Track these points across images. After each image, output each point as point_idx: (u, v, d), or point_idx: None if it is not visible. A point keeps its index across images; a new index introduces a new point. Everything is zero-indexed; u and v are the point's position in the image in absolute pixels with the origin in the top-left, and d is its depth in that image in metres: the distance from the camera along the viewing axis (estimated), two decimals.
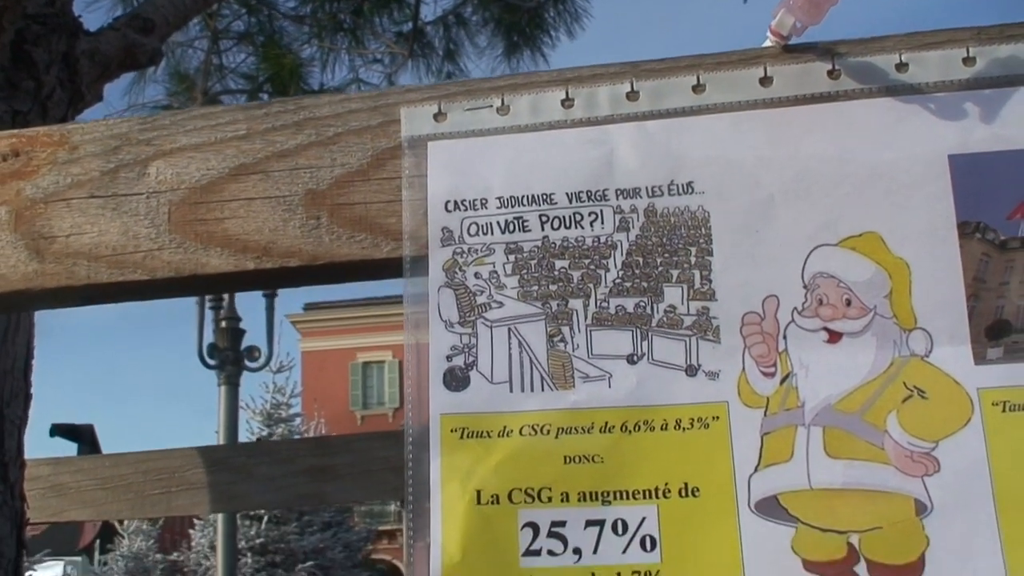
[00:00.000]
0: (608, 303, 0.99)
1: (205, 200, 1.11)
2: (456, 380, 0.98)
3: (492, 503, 0.94)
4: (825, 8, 0.97)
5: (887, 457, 0.91)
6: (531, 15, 7.62)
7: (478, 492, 0.95)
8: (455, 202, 1.03)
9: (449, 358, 0.99)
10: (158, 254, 1.10)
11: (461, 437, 0.96)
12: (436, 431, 0.97)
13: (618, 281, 0.99)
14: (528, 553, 0.93)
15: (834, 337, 0.95)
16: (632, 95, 1.04)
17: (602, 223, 1.01)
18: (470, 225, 1.02)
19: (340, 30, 7.40)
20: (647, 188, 1.01)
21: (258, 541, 20.91)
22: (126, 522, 24.34)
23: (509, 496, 0.95)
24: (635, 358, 0.97)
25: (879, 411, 0.93)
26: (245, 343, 11.77)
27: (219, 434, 11.47)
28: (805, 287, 0.97)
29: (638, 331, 0.98)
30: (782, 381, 0.95)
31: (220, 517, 11.02)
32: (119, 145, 1.13)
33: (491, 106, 1.06)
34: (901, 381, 0.93)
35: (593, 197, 1.02)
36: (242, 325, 11.74)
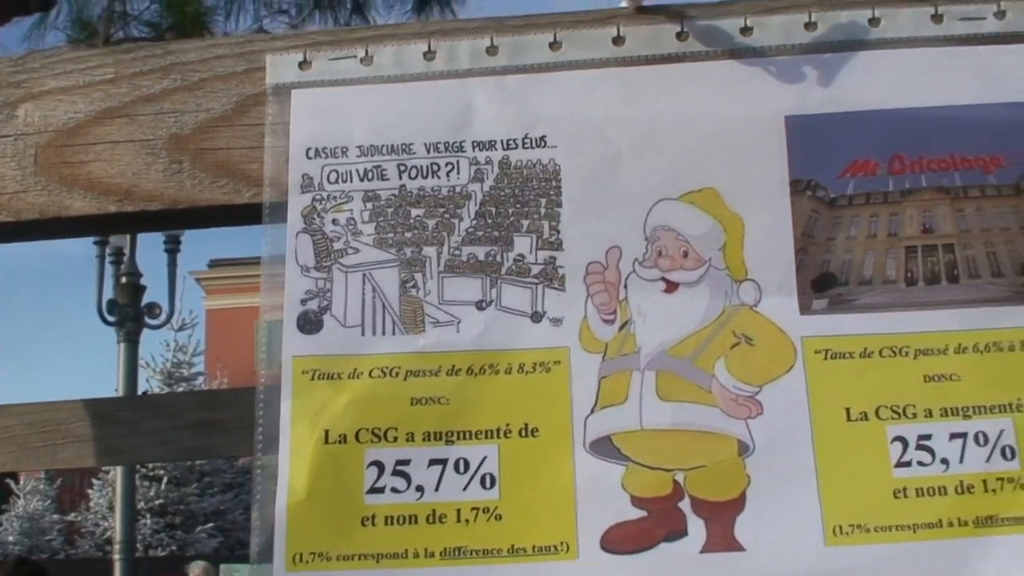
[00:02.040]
0: (460, 251, 1.03)
1: (71, 143, 1.12)
2: (309, 323, 1.01)
3: (339, 442, 0.98)
4: None
5: (714, 399, 0.97)
6: None
7: (326, 432, 0.98)
8: (316, 150, 1.06)
9: (304, 302, 1.02)
10: (23, 196, 1.11)
11: (312, 379, 1.00)
12: (288, 373, 1.00)
13: (471, 230, 1.03)
14: (372, 491, 0.97)
15: (671, 287, 1.00)
16: (492, 50, 1.08)
17: (458, 173, 1.04)
18: (330, 173, 1.05)
19: None
20: (502, 141, 1.05)
21: (157, 502, 20.67)
22: (22, 482, 23.84)
23: (356, 436, 0.98)
24: (484, 304, 1.01)
25: (709, 356, 0.98)
26: (146, 299, 11.56)
27: (118, 393, 11.26)
28: (646, 239, 1.01)
29: (488, 279, 1.02)
30: (621, 328, 1.00)
31: (119, 477, 10.85)
32: None
33: (355, 56, 1.08)
34: (730, 329, 0.99)
35: (450, 148, 1.05)
36: (143, 281, 11.52)
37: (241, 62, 1.11)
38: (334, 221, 1.04)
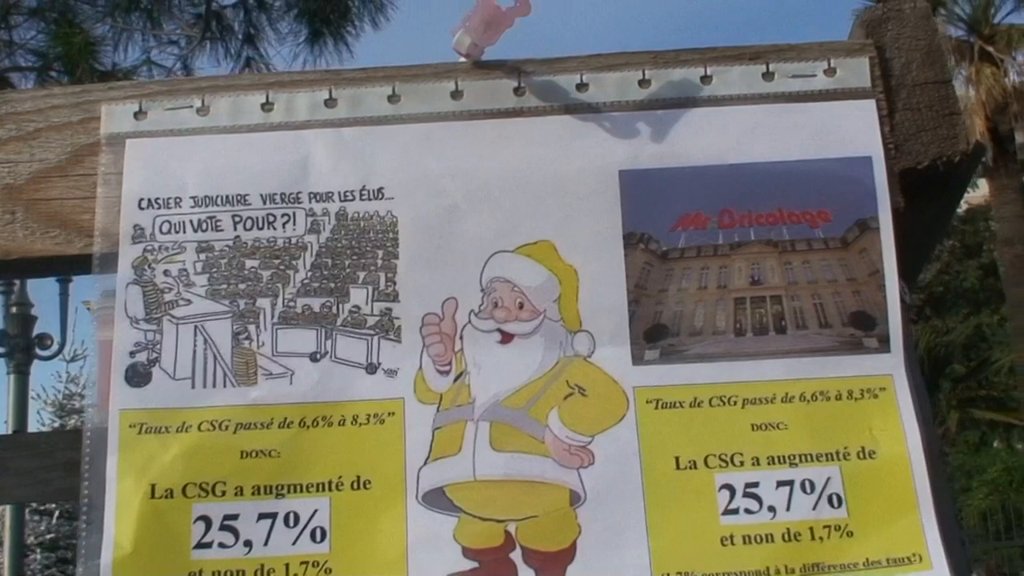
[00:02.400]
0: (295, 303, 1.02)
1: None
2: (138, 376, 0.99)
3: (166, 497, 0.96)
4: (500, 30, 1.02)
5: (547, 450, 0.98)
6: (335, 3, 7.60)
7: (152, 486, 0.96)
8: (149, 200, 1.05)
9: (132, 354, 1.00)
10: None
11: (139, 432, 0.98)
12: (115, 426, 0.98)
13: (306, 281, 1.03)
14: (199, 546, 0.95)
15: (507, 338, 1.01)
16: (330, 102, 1.08)
17: (294, 225, 1.04)
18: (163, 223, 1.04)
19: (136, 9, 7.22)
20: (339, 192, 1.05)
21: (48, 536, 20.05)
22: None
23: (183, 490, 0.97)
24: (318, 356, 1.01)
25: (543, 407, 0.99)
26: (37, 330, 11.26)
27: (7, 425, 10.93)
28: (483, 290, 1.02)
29: (323, 330, 1.01)
30: (456, 379, 1.00)
31: (7, 512, 10.54)
32: None
33: (191, 106, 1.08)
34: (564, 379, 1.00)
35: (287, 199, 1.05)
36: (34, 311, 11.23)
37: (77, 112, 1.10)
38: (166, 272, 1.03)
